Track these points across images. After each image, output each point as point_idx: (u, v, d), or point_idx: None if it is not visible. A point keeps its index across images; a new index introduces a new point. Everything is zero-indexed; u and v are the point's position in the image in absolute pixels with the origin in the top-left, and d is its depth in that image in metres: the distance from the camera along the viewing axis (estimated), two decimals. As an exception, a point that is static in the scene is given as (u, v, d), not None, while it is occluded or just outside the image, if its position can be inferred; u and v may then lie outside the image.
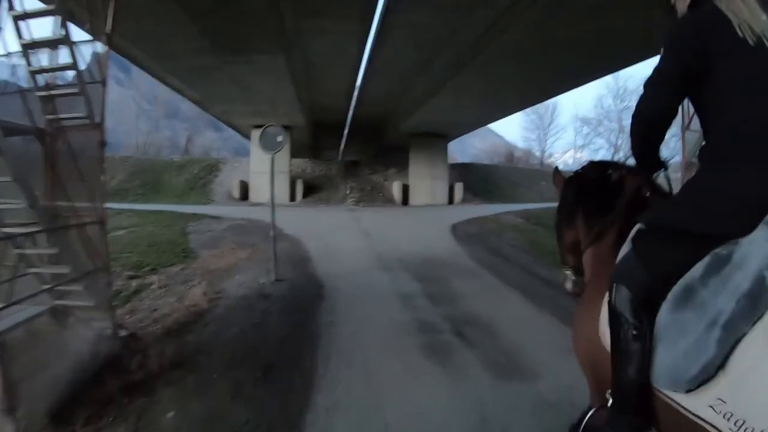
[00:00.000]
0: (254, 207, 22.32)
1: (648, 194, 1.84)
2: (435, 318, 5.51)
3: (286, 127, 23.69)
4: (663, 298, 1.41)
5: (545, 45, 12.18)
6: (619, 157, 49.49)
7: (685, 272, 1.36)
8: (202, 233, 13.00)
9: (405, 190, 27.50)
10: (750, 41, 1.36)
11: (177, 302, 6.69)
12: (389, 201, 27.30)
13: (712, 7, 1.45)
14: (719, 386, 1.22)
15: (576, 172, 2.26)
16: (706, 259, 1.32)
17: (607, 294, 1.60)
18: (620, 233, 1.79)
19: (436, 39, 12.78)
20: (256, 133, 24.90)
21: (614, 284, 1.54)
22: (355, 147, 31.69)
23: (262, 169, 25.08)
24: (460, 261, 9.76)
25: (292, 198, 25.86)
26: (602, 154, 51.02)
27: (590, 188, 2.09)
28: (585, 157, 52.38)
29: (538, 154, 54.18)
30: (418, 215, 20.91)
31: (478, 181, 31.79)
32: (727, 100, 1.41)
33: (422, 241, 12.34)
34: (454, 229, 15.16)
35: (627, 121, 45.01)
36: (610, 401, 1.57)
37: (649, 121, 1.60)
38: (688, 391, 1.28)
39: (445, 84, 16.14)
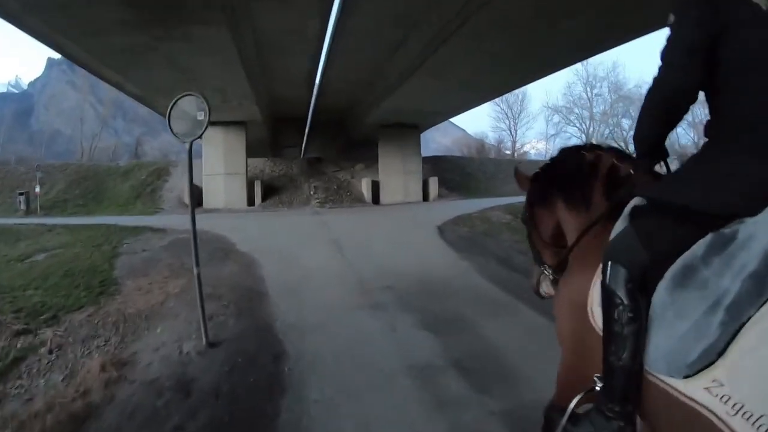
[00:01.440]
0: (207, 214, 19.47)
1: (631, 171, 1.71)
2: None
3: (241, 123, 20.97)
4: (660, 278, 1.30)
5: (539, 13, 10.07)
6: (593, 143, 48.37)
7: (686, 251, 1.27)
8: (135, 254, 10.13)
9: (375, 187, 24.98)
10: (763, 6, 1.28)
11: (63, 383, 4.25)
12: (358, 200, 24.70)
13: None
14: (717, 369, 1.12)
15: (548, 163, 2.13)
16: (708, 238, 1.24)
17: (599, 272, 1.49)
18: (606, 211, 1.70)
19: (417, 6, 10.37)
20: (209, 131, 22.28)
21: (609, 262, 1.41)
22: (318, 143, 28.92)
23: (216, 170, 22.40)
24: (470, 281, 7.32)
25: (250, 202, 23.10)
26: (574, 142, 49.09)
27: (566, 168, 1.95)
28: (557, 145, 51.32)
29: (509, 144, 52.58)
30: (395, 216, 18.33)
31: (453, 174, 29.52)
32: (737, 75, 1.33)
33: (410, 252, 9.83)
34: (442, 232, 12.82)
35: (597, 108, 44.95)
36: (599, 385, 1.44)
37: (673, 96, 1.42)
38: (686, 377, 1.18)
39: (423, 62, 13.63)
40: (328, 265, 8.53)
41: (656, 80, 1.44)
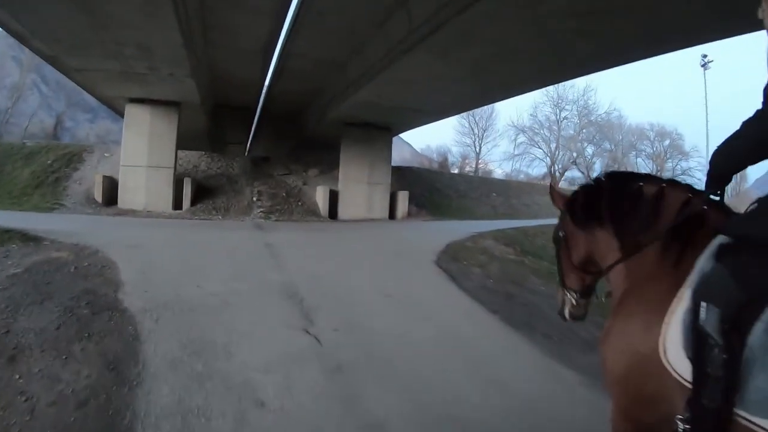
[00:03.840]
0: (118, 218, 14.67)
1: (705, 207, 1.68)
2: None
3: (173, 104, 17.33)
4: (756, 318, 1.28)
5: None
6: (557, 168, 46.53)
7: None
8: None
9: (333, 198, 20.44)
10: None
11: None
12: (311, 212, 20.06)
13: None
14: None
15: (594, 182, 2.12)
16: None
17: (677, 310, 1.48)
18: (667, 246, 1.69)
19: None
20: (133, 110, 17.21)
21: (702, 302, 1.40)
22: (267, 140, 24.12)
23: (138, 160, 17.36)
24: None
25: (177, 205, 18.12)
26: (538, 164, 48.32)
27: (622, 198, 1.91)
28: (521, 166, 49.58)
29: (473, 160, 49.47)
30: (366, 240, 13.83)
31: (421, 190, 25.33)
32: None
33: (428, 320, 5.55)
34: (450, 274, 8.74)
35: (565, 132, 42.96)
36: (683, 428, 1.42)
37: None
38: None
39: (432, 33, 9.47)
40: (284, 362, 4.03)
41: (761, 117, 1.46)
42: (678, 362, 1.43)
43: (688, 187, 1.81)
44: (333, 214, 20.16)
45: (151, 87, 14.61)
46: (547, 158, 47.15)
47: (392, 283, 7.46)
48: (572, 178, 46.89)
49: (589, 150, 47.14)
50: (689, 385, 1.39)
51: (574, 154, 46.03)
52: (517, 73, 11.57)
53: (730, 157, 1.58)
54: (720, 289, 1.36)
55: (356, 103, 15.52)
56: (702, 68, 29.98)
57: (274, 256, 9.15)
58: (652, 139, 47.45)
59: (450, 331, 5.16)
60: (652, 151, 47.53)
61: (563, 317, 2.31)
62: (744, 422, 1.26)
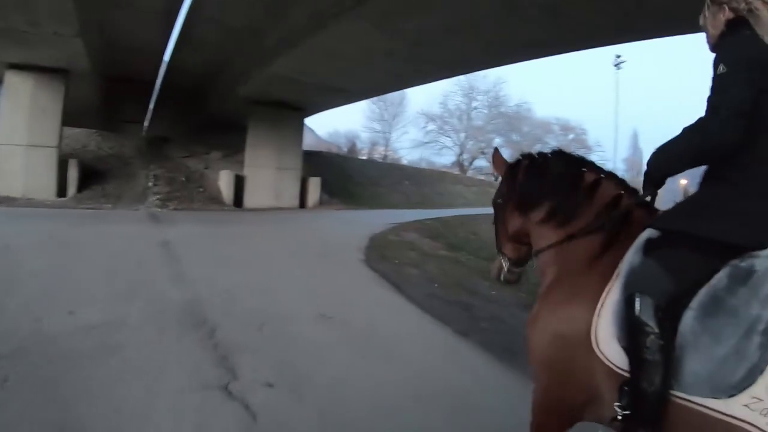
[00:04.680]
0: None
1: (635, 204, 1.78)
2: None
3: (60, 72, 14.85)
4: (684, 306, 1.42)
5: None
6: (465, 158, 46.88)
7: (705, 281, 1.41)
8: None
9: (238, 184, 18.44)
10: None
11: None
12: (213, 200, 17.91)
13: (754, 34, 1.52)
14: (757, 386, 1.24)
15: (538, 158, 2.09)
16: (727, 270, 1.39)
17: (607, 302, 1.56)
18: (604, 241, 1.75)
19: None
20: (13, 79, 14.56)
21: (635, 294, 1.48)
22: (167, 119, 21.25)
23: (16, 138, 14.66)
24: None
25: (62, 192, 15.43)
26: (447, 153, 48.55)
27: (561, 183, 1.93)
28: (429, 154, 49.44)
29: (383, 146, 48.69)
30: (279, 235, 12.09)
31: (333, 176, 23.75)
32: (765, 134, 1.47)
33: (392, 359, 4.04)
34: (387, 278, 7.49)
35: (475, 122, 43.41)
36: (622, 414, 1.48)
37: (713, 148, 1.49)
38: (731, 396, 1.27)
39: (360, 3, 8.01)
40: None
41: (702, 126, 1.50)
42: (609, 350, 1.51)
43: (623, 183, 1.89)
44: (238, 202, 18.24)
45: (34, 50, 12.22)
46: (456, 147, 47.50)
47: (325, 296, 5.90)
48: (480, 167, 47.71)
49: (497, 141, 47.94)
50: (621, 372, 1.47)
51: (483, 144, 46.55)
52: (462, 51, 10.36)
53: (669, 161, 1.62)
54: (652, 280, 1.47)
55: (271, 77, 13.65)
56: (615, 67, 30.97)
57: (172, 260, 7.24)
58: (557, 132, 49.19)
59: (427, 374, 3.75)
60: (557, 144, 49.18)
61: (498, 280, 2.33)
62: (680, 402, 1.36)
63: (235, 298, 5.35)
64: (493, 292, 7.03)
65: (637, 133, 51.69)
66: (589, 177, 1.88)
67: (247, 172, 18.86)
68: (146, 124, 22.67)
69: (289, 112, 18.89)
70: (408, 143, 51.35)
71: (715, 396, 1.29)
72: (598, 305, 1.56)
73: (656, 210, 1.76)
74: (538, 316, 1.79)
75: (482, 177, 43.30)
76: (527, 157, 2.15)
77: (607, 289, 1.57)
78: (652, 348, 1.40)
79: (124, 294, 5.12)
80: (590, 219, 1.81)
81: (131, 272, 6.19)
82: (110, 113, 20.26)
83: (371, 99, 38.07)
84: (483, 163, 48.54)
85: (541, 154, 2.10)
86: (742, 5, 1.57)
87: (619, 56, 31.66)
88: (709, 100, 1.47)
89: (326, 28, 9.68)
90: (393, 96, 42.83)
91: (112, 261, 6.81)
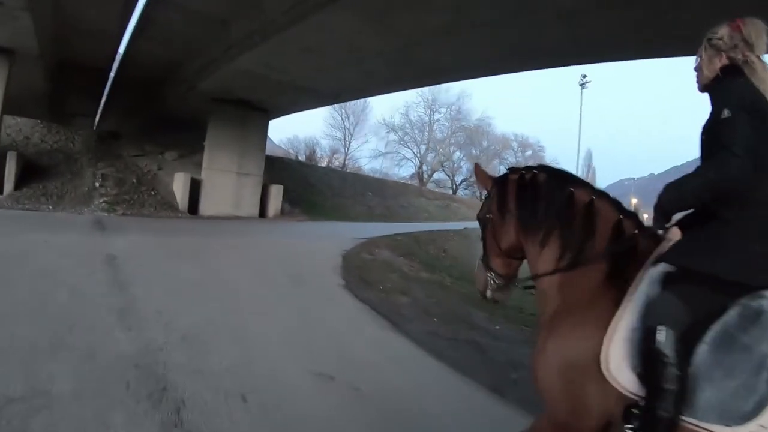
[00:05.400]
0: None
1: (636, 231, 1.82)
2: None
3: (4, 53, 13.31)
4: (697, 339, 1.49)
5: None
6: (424, 170, 46.44)
7: (716, 315, 1.48)
8: None
9: (194, 188, 16.91)
10: None
11: None
12: (166, 205, 16.38)
13: (748, 81, 1.62)
14: (764, 416, 1.33)
15: (526, 173, 2.09)
16: (738, 308, 1.46)
17: (618, 329, 1.59)
18: (611, 270, 1.77)
19: None
20: None
21: (656, 326, 1.53)
22: (120, 113, 19.51)
23: None
24: None
25: None
26: (407, 164, 47.90)
27: (558, 206, 1.93)
28: (388, 165, 48.67)
29: (343, 154, 47.40)
30: (244, 250, 10.71)
31: (295, 185, 22.43)
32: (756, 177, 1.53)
33: None
34: (377, 309, 6.47)
35: (438, 134, 43.17)
36: None
37: (731, 184, 1.56)
38: (739, 424, 1.35)
39: None
40: None
41: (719, 164, 1.55)
42: (621, 376, 1.56)
43: (617, 204, 1.90)
44: (193, 208, 16.79)
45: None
46: (416, 159, 46.95)
47: (315, 342, 4.66)
48: (439, 180, 47.35)
49: (457, 155, 47.85)
50: (632, 396, 1.54)
51: (443, 158, 46.29)
52: (461, 55, 9.39)
53: (683, 196, 1.66)
54: (672, 313, 1.52)
55: (237, 72, 12.39)
56: (580, 87, 31.03)
57: (119, 285, 5.83)
58: (515, 149, 49.58)
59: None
60: (515, 160, 49.79)
61: (484, 297, 2.28)
62: (691, 427, 1.44)
63: (202, 347, 4.07)
64: (497, 327, 6.19)
65: (591, 152, 52.63)
66: (582, 197, 1.89)
67: (204, 175, 17.37)
68: (98, 118, 20.73)
69: (253, 113, 17.65)
70: (368, 153, 50.56)
71: (724, 423, 1.38)
72: (609, 332, 1.59)
73: (660, 240, 1.76)
74: (546, 345, 1.79)
75: (442, 190, 43.08)
76: (514, 171, 2.16)
77: (617, 317, 1.60)
78: (670, 377, 1.46)
79: (54, 342, 3.76)
80: (596, 247, 1.81)
81: (63, 305, 4.76)
82: (58, 103, 18.44)
83: (333, 106, 37.14)
84: (443, 176, 48.35)
85: (527, 168, 2.11)
86: (740, 56, 1.66)
87: (584, 76, 31.69)
88: (726, 140, 1.53)
89: (306, 20, 8.56)
90: (355, 103, 42.04)
91: (39, 285, 5.35)
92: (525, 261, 2.14)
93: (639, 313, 1.57)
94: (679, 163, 64.74)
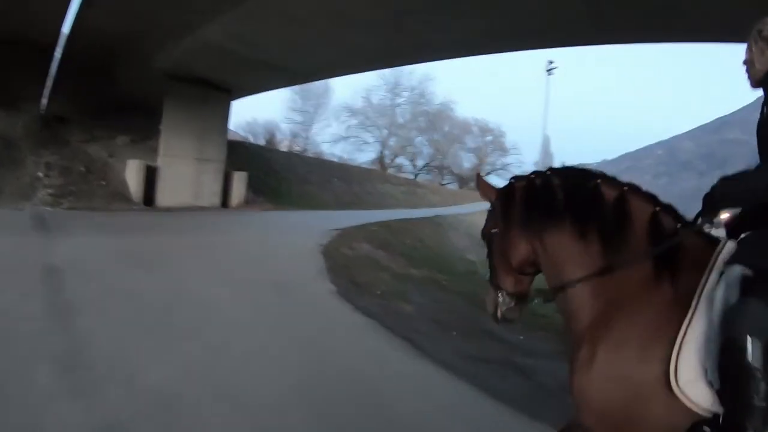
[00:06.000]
0: None
1: (677, 225, 1.64)
2: None
3: None
4: None
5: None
6: (387, 153, 45.68)
7: None
8: None
9: (149, 177, 15.49)
10: None
11: None
12: (119, 196, 14.93)
13: None
14: None
15: (534, 178, 1.90)
16: None
17: (690, 339, 1.41)
18: (659, 269, 1.58)
19: None
20: None
21: (743, 336, 1.34)
22: (67, 94, 17.49)
23: None
24: None
25: None
26: (367, 149, 47.00)
27: (584, 197, 1.74)
28: (349, 149, 47.58)
29: (303, 138, 46.10)
30: (212, 250, 9.32)
31: (258, 171, 21.16)
32: None
33: None
34: (385, 324, 5.68)
35: (400, 119, 42.39)
36: None
37: None
38: None
39: None
40: None
41: None
42: (693, 390, 1.40)
43: (651, 196, 1.73)
44: (149, 199, 15.43)
45: None
46: (378, 144, 46.13)
47: (333, 393, 3.51)
48: (400, 165, 46.73)
49: (419, 139, 47.30)
50: (703, 413, 1.39)
51: (405, 142, 45.71)
52: (461, 30, 8.34)
53: (740, 192, 1.54)
54: (761, 322, 1.34)
55: (199, 44, 11.09)
56: (547, 73, 30.60)
57: (62, 316, 4.47)
58: (475, 134, 49.35)
59: None
60: (475, 145, 49.60)
61: (495, 319, 2.04)
62: None
63: (184, 420, 2.89)
64: (521, 337, 5.51)
65: (549, 138, 53.19)
66: (610, 190, 1.70)
67: (160, 162, 15.93)
68: (45, 101, 18.71)
69: (214, 93, 16.33)
70: (329, 137, 49.41)
71: None
72: (678, 342, 1.42)
73: (709, 236, 1.61)
74: (593, 359, 1.56)
75: (405, 175, 42.50)
76: (520, 179, 1.97)
77: (685, 325, 1.42)
78: (762, 393, 1.31)
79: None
80: (635, 246, 1.63)
81: None
82: (2, 86, 16.09)
83: (293, 88, 35.63)
84: (404, 161, 47.74)
85: (536, 173, 1.92)
86: None
87: (551, 62, 31.25)
88: None
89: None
90: (316, 86, 40.50)
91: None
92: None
93: (716, 322, 1.40)
94: (632, 150, 66.91)
